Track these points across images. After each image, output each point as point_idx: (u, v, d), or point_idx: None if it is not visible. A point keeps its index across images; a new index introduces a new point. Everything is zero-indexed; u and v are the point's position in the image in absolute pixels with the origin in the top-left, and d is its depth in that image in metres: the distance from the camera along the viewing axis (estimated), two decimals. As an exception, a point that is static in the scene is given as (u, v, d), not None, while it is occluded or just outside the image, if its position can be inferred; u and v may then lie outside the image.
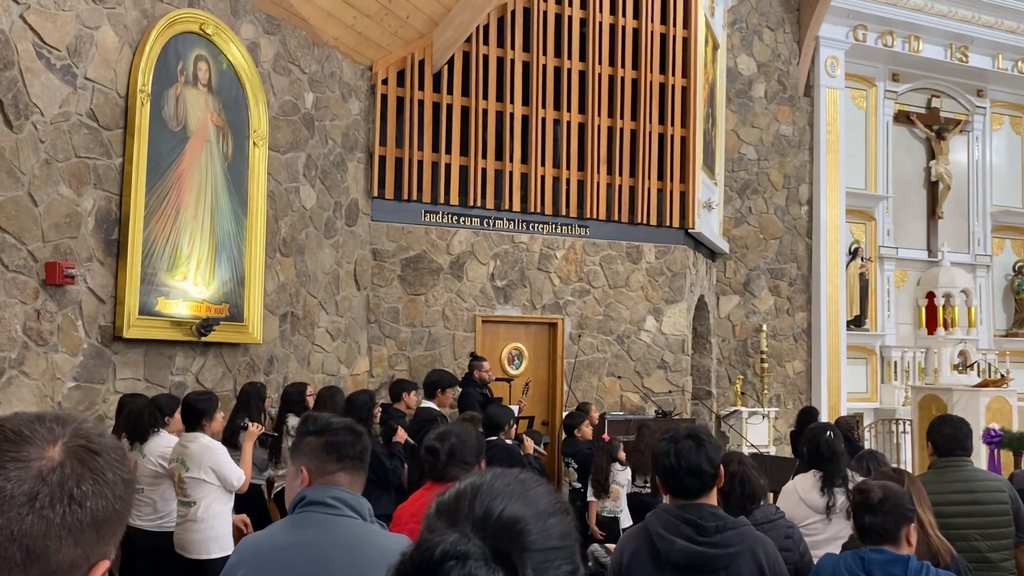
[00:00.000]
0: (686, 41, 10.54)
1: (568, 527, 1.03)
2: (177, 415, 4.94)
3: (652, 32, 10.32)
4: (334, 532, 2.02)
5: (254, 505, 5.64)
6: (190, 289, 6.24)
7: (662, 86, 10.41)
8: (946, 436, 3.77)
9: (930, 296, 14.09)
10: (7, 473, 0.84)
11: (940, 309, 13.86)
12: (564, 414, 8.60)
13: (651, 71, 10.30)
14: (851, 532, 3.48)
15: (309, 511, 2.06)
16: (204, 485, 4.47)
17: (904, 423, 12.50)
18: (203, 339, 6.26)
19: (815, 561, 3.51)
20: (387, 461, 5.30)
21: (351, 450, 2.13)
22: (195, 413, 4.57)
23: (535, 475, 1.07)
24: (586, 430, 7.27)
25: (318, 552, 2.00)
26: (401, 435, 5.78)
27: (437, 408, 6.54)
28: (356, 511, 2.07)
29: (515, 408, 7.10)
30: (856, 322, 13.68)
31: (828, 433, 3.93)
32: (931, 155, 14.71)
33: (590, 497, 6.56)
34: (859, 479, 4.03)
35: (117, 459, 0.93)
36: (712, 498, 2.58)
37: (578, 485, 6.99)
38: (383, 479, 5.28)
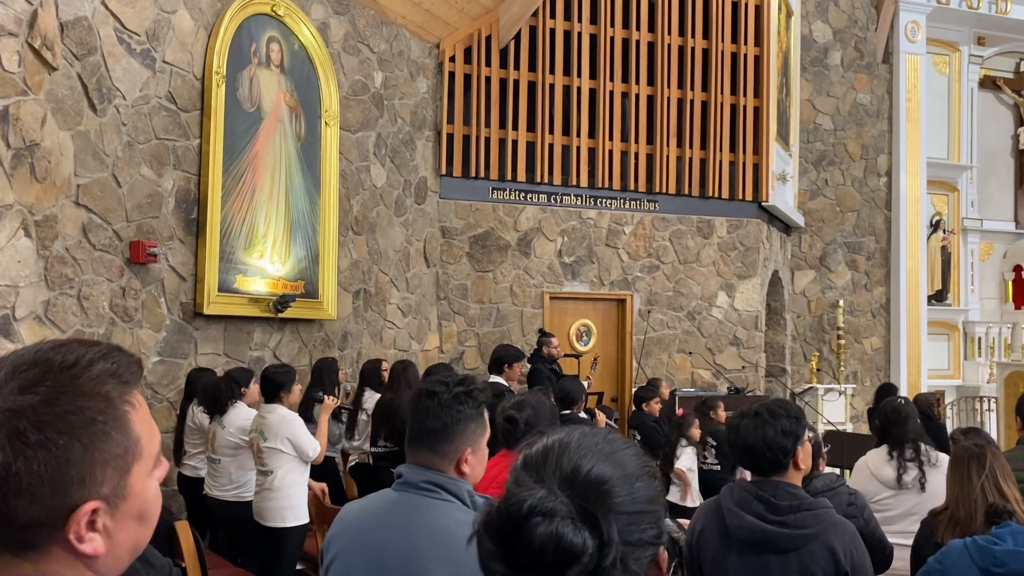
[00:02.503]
0: (758, 8, 10.25)
1: (655, 491, 1.02)
2: (253, 386, 5.08)
3: (723, 0, 10.08)
4: (429, 520, 1.90)
5: (329, 477, 5.78)
6: (267, 267, 6.39)
7: (734, 56, 10.16)
8: (1036, 411, 3.63)
9: (1017, 269, 13.52)
10: None
11: (1028, 283, 13.30)
12: (634, 389, 8.56)
13: (722, 40, 10.06)
14: (930, 506, 3.39)
15: (408, 492, 1.95)
16: (280, 455, 4.59)
17: (988, 401, 12.06)
18: (279, 315, 6.41)
19: (887, 537, 3.43)
20: None
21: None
22: (274, 385, 4.70)
23: (623, 437, 1.06)
24: (654, 405, 7.23)
25: (408, 543, 1.89)
26: None
27: (505, 383, 6.57)
28: (455, 495, 1.95)
29: (585, 383, 7.09)
30: (937, 297, 13.22)
31: (899, 399, 3.84)
32: (1019, 122, 14.05)
33: None
34: (936, 455, 3.92)
35: (42, 405, 0.87)
36: (792, 476, 2.47)
37: None
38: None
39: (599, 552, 0.91)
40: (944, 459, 3.80)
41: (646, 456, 1.05)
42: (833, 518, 2.44)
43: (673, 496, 6.30)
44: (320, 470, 5.32)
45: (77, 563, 0.90)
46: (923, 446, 3.79)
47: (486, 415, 2.02)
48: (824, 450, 3.62)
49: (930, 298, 12.98)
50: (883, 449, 3.85)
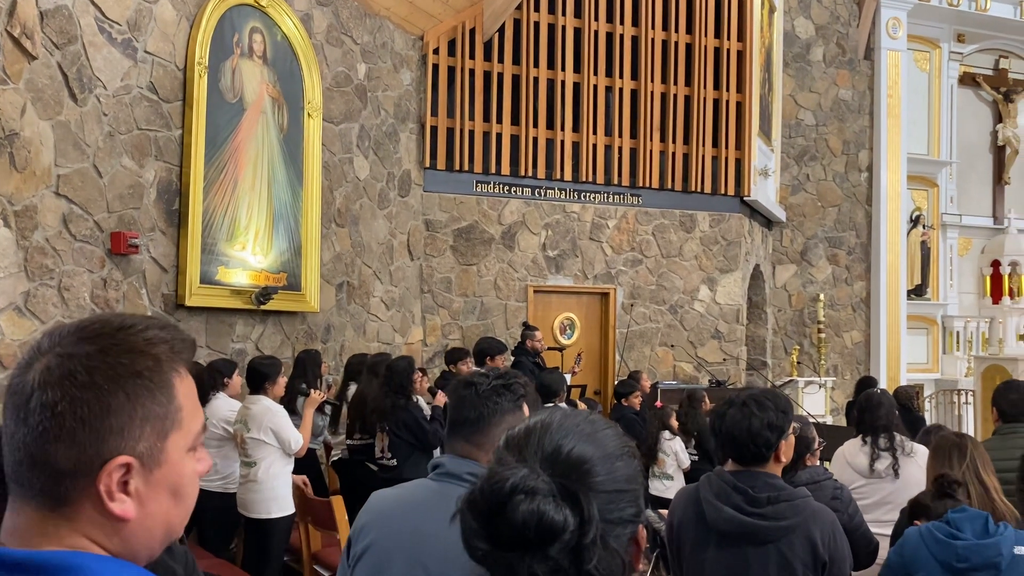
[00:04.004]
0: (741, 4, 10.30)
1: (634, 471, 1.04)
2: (236, 378, 5.06)
3: (706, -5, 10.12)
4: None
5: (311, 469, 5.77)
6: (249, 259, 6.37)
7: (717, 50, 10.21)
8: (1012, 402, 3.69)
9: (995, 264, 13.68)
10: (13, 394, 0.93)
11: (1006, 278, 13.46)
12: (616, 383, 8.60)
13: (706, 35, 10.10)
14: (905, 495, 3.43)
15: (451, 483, 1.91)
16: (264, 446, 4.59)
17: (966, 394, 12.21)
18: (262, 307, 6.39)
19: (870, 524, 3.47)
20: (426, 424, 5.37)
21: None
22: (259, 376, 4.69)
23: (604, 418, 1.08)
24: (634, 400, 7.26)
25: (453, 533, 1.84)
26: (441, 398, 5.87)
27: (488, 376, 6.58)
28: None
29: (567, 376, 7.11)
30: (917, 291, 13.36)
31: (876, 389, 3.89)
32: (998, 118, 14.20)
33: None
34: (912, 445, 3.97)
35: (96, 353, 0.92)
36: (772, 467, 2.45)
37: None
38: (423, 442, 5.36)
39: (580, 529, 0.93)
40: (920, 449, 3.85)
41: (626, 437, 1.07)
42: (812, 507, 2.43)
43: (657, 489, 6.33)
44: (302, 462, 5.31)
45: (107, 526, 0.92)
46: (898, 436, 3.84)
47: (525, 409, 2.00)
48: (817, 446, 3.61)
49: (909, 293, 13.11)
50: (858, 439, 3.90)
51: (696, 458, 6.45)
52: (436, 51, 9.06)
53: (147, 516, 0.94)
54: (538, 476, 0.95)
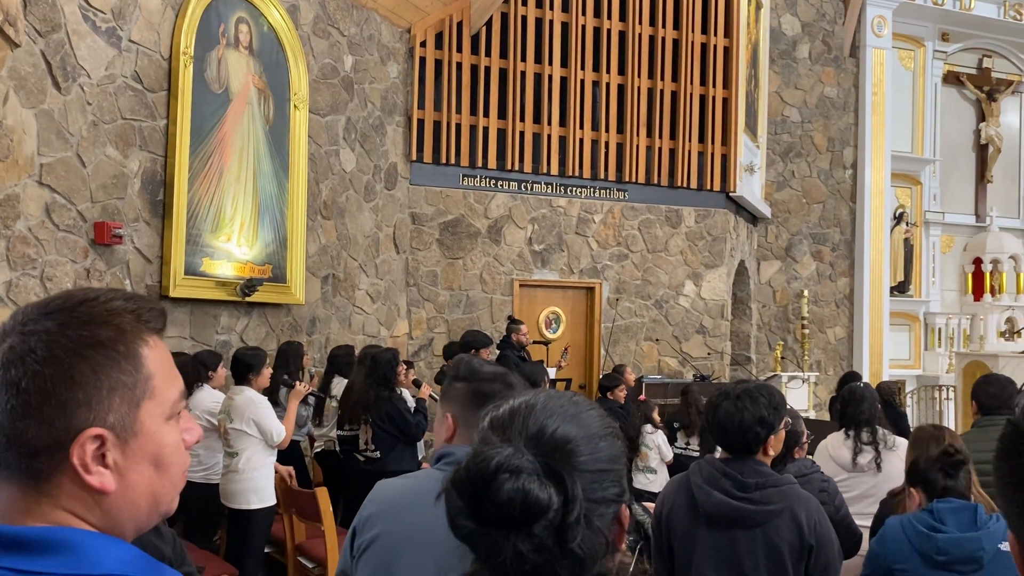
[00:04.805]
0: (728, 0, 10.33)
1: (617, 451, 1.05)
2: (221, 370, 5.05)
3: (694, -9, 10.14)
4: None
5: (295, 461, 5.77)
6: (234, 250, 6.34)
7: (704, 46, 10.24)
8: (991, 395, 3.73)
9: (977, 262, 13.80)
10: None
11: (987, 275, 13.58)
12: (600, 376, 8.63)
13: (693, 31, 10.13)
14: (887, 488, 3.46)
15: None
16: (246, 437, 4.58)
17: (948, 390, 12.32)
18: (247, 299, 6.37)
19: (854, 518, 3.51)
20: (410, 416, 5.38)
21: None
22: (243, 367, 4.68)
23: (588, 399, 1.09)
24: (619, 393, 7.28)
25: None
26: (425, 390, 5.87)
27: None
28: None
29: (552, 370, 7.12)
30: (900, 288, 13.46)
31: (860, 383, 3.92)
32: (981, 117, 14.31)
33: None
34: (894, 439, 4.01)
35: (57, 328, 0.91)
36: (760, 458, 2.52)
37: None
38: (407, 434, 5.36)
39: (564, 508, 0.94)
40: (902, 443, 3.89)
41: (609, 418, 1.08)
42: (798, 492, 2.50)
43: (641, 483, 6.36)
44: (286, 454, 5.30)
45: (87, 499, 0.91)
46: (880, 429, 3.88)
47: None
48: (805, 440, 3.64)
49: (892, 289, 13.21)
50: (841, 432, 3.93)
51: (698, 454, 6.48)
52: (423, 44, 9.04)
53: (128, 488, 0.93)
54: (523, 455, 0.96)
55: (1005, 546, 2.49)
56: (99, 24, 5.21)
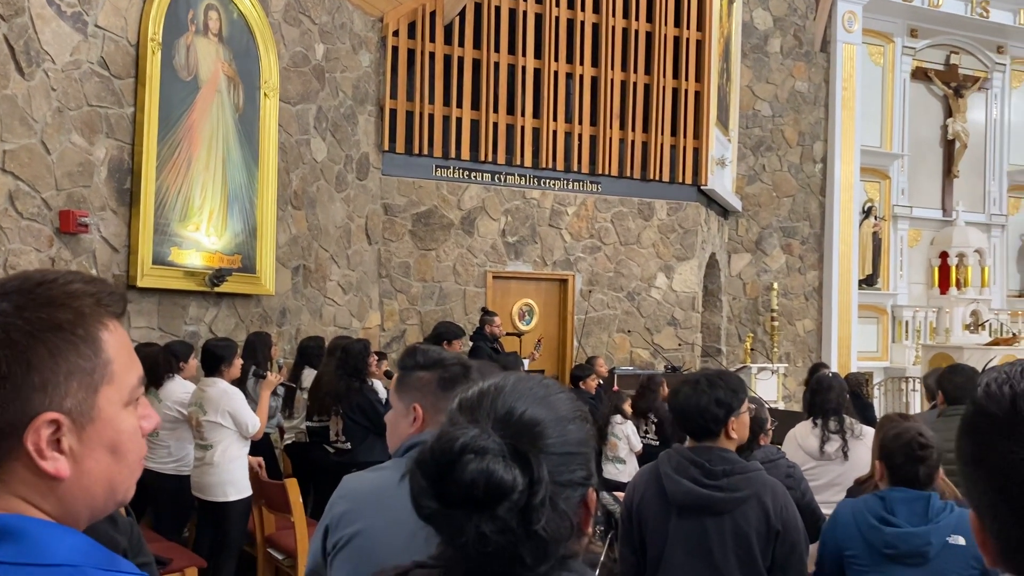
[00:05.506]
0: (701, -6, 10.38)
1: (586, 434, 1.05)
2: (192, 360, 4.99)
3: (667, -16, 10.16)
4: None
5: (265, 453, 5.72)
6: (203, 240, 6.26)
7: (676, 39, 10.27)
8: (957, 385, 3.78)
9: (943, 256, 14.01)
10: None
11: (953, 269, 13.80)
12: (573, 367, 8.65)
13: (666, 24, 10.16)
14: (854, 476, 3.51)
15: None
16: (221, 429, 4.53)
17: (914, 381, 12.51)
18: (216, 289, 6.30)
19: (819, 505, 3.55)
20: (381, 407, 5.35)
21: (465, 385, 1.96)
22: (214, 359, 4.63)
23: (558, 383, 1.09)
24: (591, 383, 7.32)
25: None
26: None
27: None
28: None
29: (525, 361, 7.13)
30: (868, 281, 13.64)
31: (828, 372, 3.97)
32: (948, 113, 14.51)
33: None
34: (861, 428, 4.07)
35: (13, 310, 0.89)
36: (725, 443, 2.57)
37: None
38: (378, 425, 5.34)
39: (529, 490, 0.93)
40: (869, 432, 3.94)
41: (579, 401, 1.08)
42: (764, 479, 2.54)
43: (611, 473, 6.39)
44: (256, 445, 5.26)
45: (41, 485, 0.89)
46: (848, 419, 3.93)
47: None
48: (769, 426, 3.69)
49: (861, 282, 13.38)
50: (809, 422, 3.98)
51: (656, 443, 6.52)
52: (396, 33, 8.98)
53: (84, 474, 0.91)
54: (489, 436, 0.95)
55: (953, 539, 2.50)
56: (64, 9, 5.11)
